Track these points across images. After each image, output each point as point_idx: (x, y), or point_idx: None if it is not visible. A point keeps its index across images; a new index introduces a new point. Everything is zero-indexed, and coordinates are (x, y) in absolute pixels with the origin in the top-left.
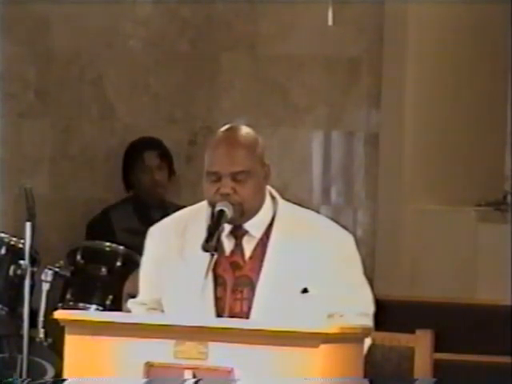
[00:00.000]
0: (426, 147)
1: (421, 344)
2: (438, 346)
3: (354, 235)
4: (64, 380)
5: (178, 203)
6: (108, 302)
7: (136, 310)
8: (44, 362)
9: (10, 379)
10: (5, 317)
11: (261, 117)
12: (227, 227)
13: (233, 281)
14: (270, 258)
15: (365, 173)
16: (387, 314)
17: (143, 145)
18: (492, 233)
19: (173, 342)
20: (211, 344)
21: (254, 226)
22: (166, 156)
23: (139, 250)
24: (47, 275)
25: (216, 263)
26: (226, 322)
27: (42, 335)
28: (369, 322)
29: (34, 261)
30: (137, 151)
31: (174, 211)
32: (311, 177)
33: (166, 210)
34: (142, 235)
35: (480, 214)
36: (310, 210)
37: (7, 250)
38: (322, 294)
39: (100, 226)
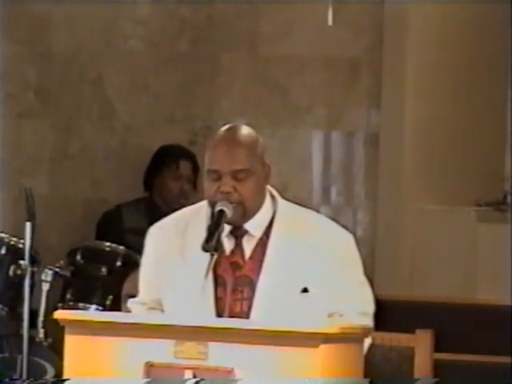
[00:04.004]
0: (425, 147)
1: (421, 344)
2: (438, 346)
3: (354, 235)
4: (64, 380)
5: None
6: (108, 302)
7: (136, 310)
8: (44, 362)
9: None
10: (5, 317)
11: (261, 117)
12: (227, 227)
13: (233, 281)
14: (270, 257)
15: (365, 173)
16: (387, 314)
17: (180, 152)
18: (492, 233)
19: (173, 342)
20: (211, 344)
21: (254, 226)
22: (196, 171)
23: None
24: (47, 275)
25: (216, 263)
26: (226, 322)
27: (41, 335)
28: (369, 321)
29: (33, 261)
30: (172, 156)
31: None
32: (311, 177)
33: None
34: None
35: (480, 214)
36: (310, 209)
37: (7, 249)
38: (322, 294)
39: (110, 222)
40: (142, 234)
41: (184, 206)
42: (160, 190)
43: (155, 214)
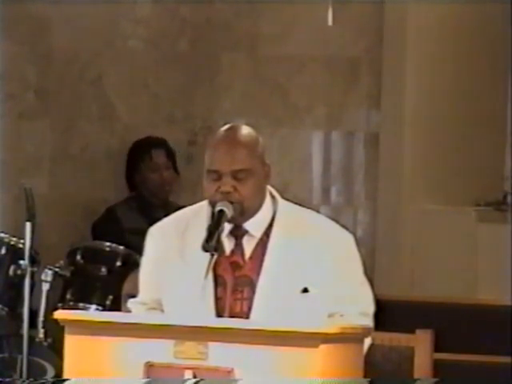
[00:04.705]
0: (425, 147)
1: (421, 344)
2: (437, 346)
3: (354, 235)
4: (64, 380)
5: (179, 203)
6: (108, 302)
7: (136, 310)
8: (44, 362)
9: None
10: (5, 317)
11: (261, 117)
12: (227, 227)
13: (233, 281)
14: (270, 257)
15: (365, 173)
16: (387, 314)
17: (150, 143)
18: (492, 233)
19: (173, 342)
20: (211, 344)
21: (254, 226)
22: (171, 155)
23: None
24: (47, 275)
25: (216, 263)
26: (226, 322)
27: (41, 335)
28: (369, 321)
29: (33, 261)
30: (144, 150)
31: (176, 211)
32: (311, 177)
33: (169, 210)
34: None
35: (480, 214)
36: (310, 209)
37: (7, 249)
38: (322, 294)
39: (107, 225)
40: (137, 231)
41: (170, 193)
42: (143, 185)
43: (146, 208)
